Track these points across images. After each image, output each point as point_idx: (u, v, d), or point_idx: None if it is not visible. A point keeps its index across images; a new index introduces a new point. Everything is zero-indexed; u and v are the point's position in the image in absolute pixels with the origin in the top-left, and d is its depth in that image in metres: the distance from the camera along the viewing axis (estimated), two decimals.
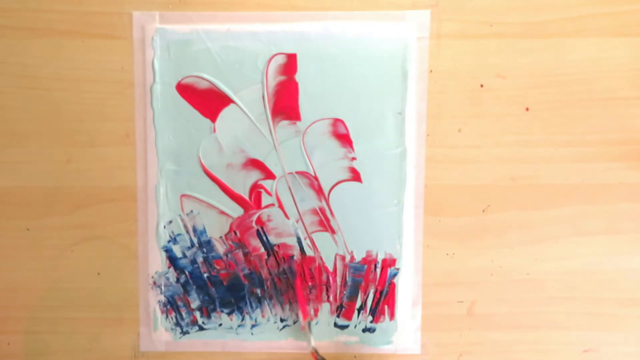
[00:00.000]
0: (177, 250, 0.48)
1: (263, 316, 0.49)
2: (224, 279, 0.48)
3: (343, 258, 0.48)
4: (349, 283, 0.48)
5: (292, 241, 0.48)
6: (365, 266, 0.48)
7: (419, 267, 0.48)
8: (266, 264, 0.48)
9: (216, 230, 0.48)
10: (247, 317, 0.48)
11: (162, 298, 0.48)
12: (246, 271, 0.48)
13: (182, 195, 0.47)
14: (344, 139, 0.46)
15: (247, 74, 0.46)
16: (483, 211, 0.47)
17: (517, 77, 0.46)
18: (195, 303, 0.49)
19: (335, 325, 0.49)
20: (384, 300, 0.48)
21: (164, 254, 0.48)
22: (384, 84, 0.46)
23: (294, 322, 0.49)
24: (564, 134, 0.46)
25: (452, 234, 0.48)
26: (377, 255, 0.48)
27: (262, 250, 0.48)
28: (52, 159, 0.47)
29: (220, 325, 0.49)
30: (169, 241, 0.48)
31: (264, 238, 0.48)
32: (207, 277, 0.48)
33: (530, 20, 0.45)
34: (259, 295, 0.48)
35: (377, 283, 0.48)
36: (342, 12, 0.45)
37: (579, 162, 0.47)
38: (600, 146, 0.47)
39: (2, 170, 0.47)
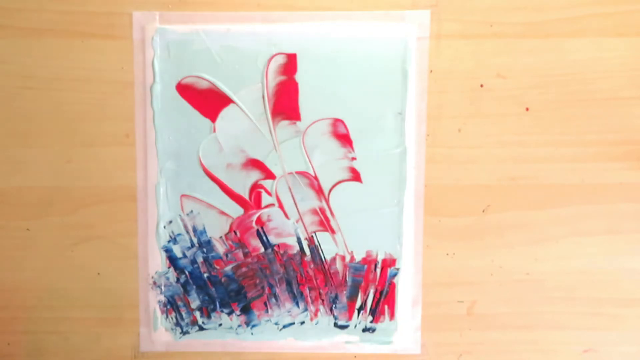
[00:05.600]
0: (177, 250, 0.48)
1: (264, 315, 0.49)
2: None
3: (343, 258, 0.48)
4: (349, 283, 0.48)
5: (292, 241, 0.48)
6: (365, 266, 0.48)
7: (419, 267, 0.48)
8: (269, 262, 0.48)
9: (216, 230, 0.48)
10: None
11: (162, 298, 0.48)
12: (254, 269, 0.48)
13: (182, 195, 0.47)
14: (344, 139, 0.46)
15: (247, 74, 0.46)
16: (483, 211, 0.47)
17: (517, 77, 0.46)
18: (195, 303, 0.49)
19: (335, 325, 0.49)
20: (384, 300, 0.48)
21: (164, 254, 0.48)
22: (384, 84, 0.46)
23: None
24: (564, 134, 0.46)
25: (452, 234, 0.48)
26: (377, 255, 0.48)
27: (262, 250, 0.48)
28: (52, 159, 0.47)
29: (220, 325, 0.49)
30: (169, 241, 0.48)
31: (264, 238, 0.48)
32: (207, 277, 0.48)
33: (530, 20, 0.45)
34: (267, 294, 0.48)
35: (377, 283, 0.48)
36: (342, 12, 0.45)
37: (579, 162, 0.47)
38: (600, 146, 0.47)
39: (2, 170, 0.47)
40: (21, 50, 0.46)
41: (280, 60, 0.46)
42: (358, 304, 0.49)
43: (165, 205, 0.47)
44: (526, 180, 0.47)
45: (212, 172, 0.47)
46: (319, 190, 0.47)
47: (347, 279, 0.48)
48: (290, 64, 0.46)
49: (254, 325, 0.49)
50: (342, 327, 0.49)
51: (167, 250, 0.48)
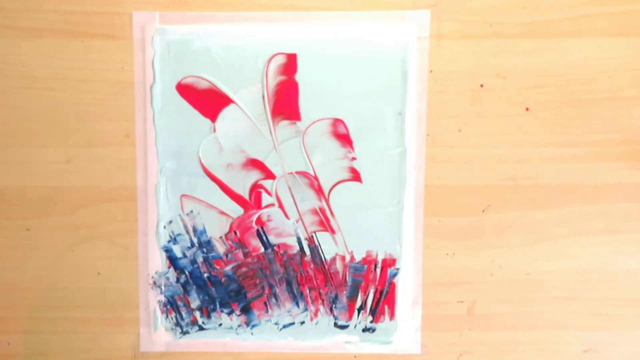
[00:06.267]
0: (177, 250, 0.48)
1: (265, 315, 0.49)
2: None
3: (343, 258, 0.48)
4: (349, 283, 0.48)
5: (292, 241, 0.48)
6: (365, 266, 0.48)
7: (419, 267, 0.48)
8: (269, 262, 0.48)
9: (216, 230, 0.48)
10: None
11: (162, 298, 0.48)
12: (252, 269, 0.48)
13: (182, 195, 0.47)
14: (344, 139, 0.46)
15: (247, 74, 0.46)
16: (483, 211, 0.47)
17: (517, 77, 0.46)
18: (195, 303, 0.49)
19: (335, 325, 0.49)
20: (384, 300, 0.48)
21: (164, 254, 0.48)
22: (384, 84, 0.46)
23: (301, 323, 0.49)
24: (564, 134, 0.46)
25: (452, 234, 0.48)
26: (377, 255, 0.48)
27: (262, 250, 0.48)
28: (52, 159, 0.47)
29: (220, 325, 0.49)
30: (169, 241, 0.48)
31: (264, 238, 0.48)
32: (207, 277, 0.48)
33: (530, 20, 0.45)
34: (267, 294, 0.48)
35: (377, 283, 0.48)
36: (342, 12, 0.45)
37: (579, 162, 0.47)
38: (600, 146, 0.47)
39: (2, 170, 0.47)
40: (21, 50, 0.46)
41: (280, 60, 0.46)
42: (358, 304, 0.49)
43: (165, 205, 0.47)
44: (526, 180, 0.47)
45: (212, 172, 0.47)
46: (319, 190, 0.47)
47: (347, 279, 0.48)
48: (290, 64, 0.46)
49: (254, 325, 0.49)
50: (342, 327, 0.49)
51: (167, 250, 0.48)
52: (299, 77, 0.46)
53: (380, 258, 0.48)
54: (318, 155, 0.47)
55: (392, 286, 0.48)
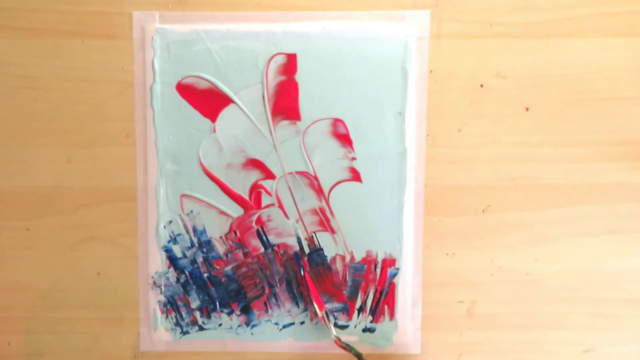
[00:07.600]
0: (177, 250, 0.48)
1: (266, 315, 0.49)
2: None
3: (343, 258, 0.48)
4: (349, 283, 0.48)
5: (292, 241, 0.48)
6: (365, 266, 0.48)
7: (419, 267, 0.48)
8: (269, 262, 0.48)
9: (216, 230, 0.48)
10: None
11: (162, 298, 0.48)
12: (250, 270, 0.48)
13: (182, 195, 0.47)
14: (344, 139, 0.46)
15: (247, 74, 0.46)
16: (483, 211, 0.47)
17: (517, 77, 0.46)
18: (195, 303, 0.49)
19: (335, 325, 0.49)
20: (384, 300, 0.48)
21: (164, 254, 0.48)
22: (384, 84, 0.46)
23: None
24: (564, 134, 0.46)
25: (452, 234, 0.48)
26: (377, 255, 0.48)
27: (262, 250, 0.48)
28: (52, 159, 0.47)
29: (220, 325, 0.49)
30: (169, 241, 0.48)
31: (264, 238, 0.48)
32: (207, 277, 0.48)
33: (530, 20, 0.45)
34: (267, 294, 0.48)
35: (377, 283, 0.48)
36: (342, 12, 0.45)
37: (579, 162, 0.47)
38: (600, 146, 0.47)
39: (2, 170, 0.47)
40: (21, 50, 0.46)
41: (280, 60, 0.46)
42: (358, 304, 0.49)
43: (165, 205, 0.47)
44: (526, 180, 0.47)
45: (212, 172, 0.47)
46: (319, 190, 0.47)
47: (347, 279, 0.48)
48: (290, 64, 0.46)
49: (254, 325, 0.49)
50: (342, 327, 0.49)
51: (167, 250, 0.48)
52: (299, 77, 0.46)
53: (380, 258, 0.48)
54: (318, 155, 0.47)
55: (392, 286, 0.48)
